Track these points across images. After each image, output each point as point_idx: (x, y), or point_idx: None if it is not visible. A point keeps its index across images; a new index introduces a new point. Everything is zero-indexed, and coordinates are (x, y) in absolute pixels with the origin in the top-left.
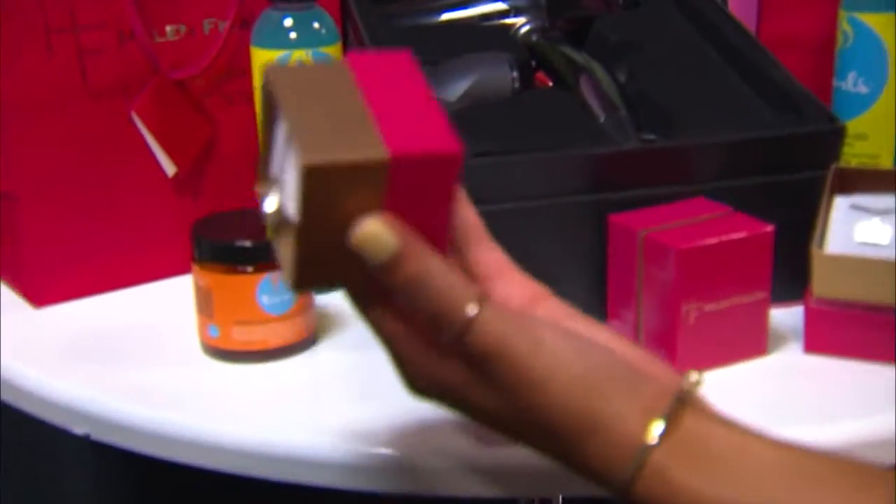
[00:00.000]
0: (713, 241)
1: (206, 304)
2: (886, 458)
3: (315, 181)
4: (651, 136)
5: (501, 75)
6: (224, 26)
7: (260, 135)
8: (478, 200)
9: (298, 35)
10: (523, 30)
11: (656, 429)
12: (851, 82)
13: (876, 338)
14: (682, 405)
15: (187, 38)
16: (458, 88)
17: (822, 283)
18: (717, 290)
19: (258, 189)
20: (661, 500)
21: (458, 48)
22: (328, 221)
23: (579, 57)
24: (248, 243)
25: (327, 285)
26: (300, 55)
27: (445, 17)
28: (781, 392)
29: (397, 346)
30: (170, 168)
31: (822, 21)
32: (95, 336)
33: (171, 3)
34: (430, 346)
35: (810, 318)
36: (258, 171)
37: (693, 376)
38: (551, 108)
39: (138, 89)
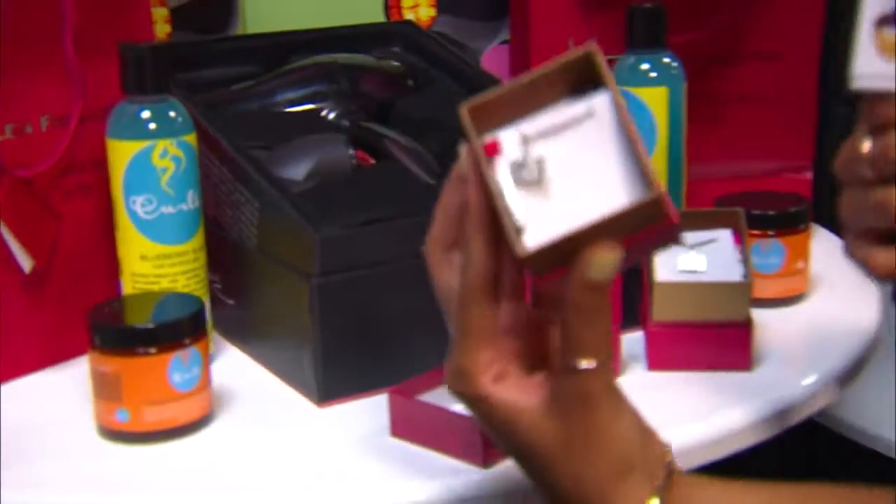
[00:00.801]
0: None
1: (112, 389)
2: (723, 453)
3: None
4: None
5: (341, 154)
6: (70, 121)
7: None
8: (359, 263)
9: (158, 126)
10: (332, 115)
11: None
12: None
13: (706, 351)
14: (671, 477)
15: (28, 135)
16: (301, 168)
17: (659, 309)
18: None
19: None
20: None
21: (283, 133)
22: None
23: (395, 135)
24: (151, 325)
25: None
26: (164, 144)
27: (256, 104)
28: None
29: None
30: (27, 263)
31: None
32: None
33: (5, 103)
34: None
35: (651, 340)
36: None
37: (669, 445)
38: (390, 180)
39: None
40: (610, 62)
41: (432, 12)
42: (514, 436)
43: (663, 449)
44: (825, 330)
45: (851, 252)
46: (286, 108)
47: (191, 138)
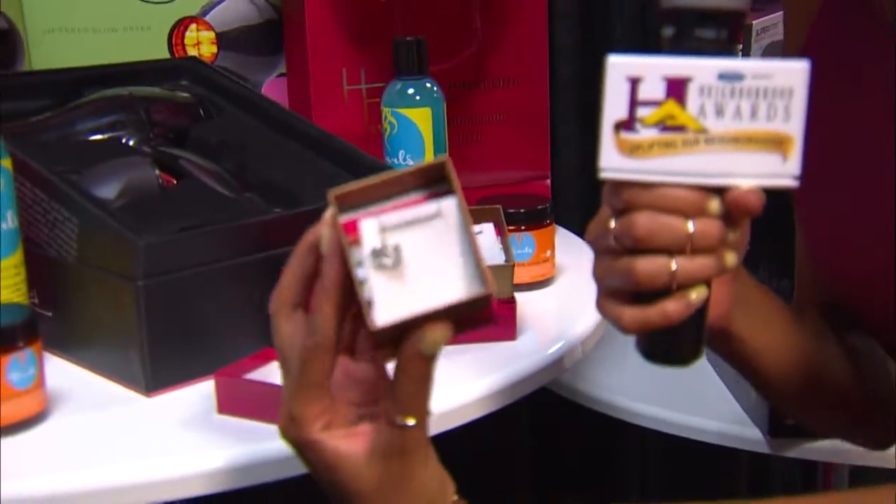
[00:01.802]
0: None
1: None
2: (501, 404)
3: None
4: (279, 209)
5: (147, 174)
6: None
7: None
8: (179, 266)
9: None
10: (132, 142)
11: None
12: (402, 158)
13: None
14: None
15: None
16: (112, 189)
17: None
18: None
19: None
20: None
21: (88, 159)
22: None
23: (195, 157)
24: None
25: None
26: None
27: (55, 135)
28: None
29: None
30: None
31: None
32: None
33: None
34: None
35: None
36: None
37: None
38: (194, 195)
39: None
40: (380, 89)
41: (214, 49)
42: (337, 478)
43: (452, 488)
44: (570, 306)
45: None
46: (87, 136)
47: (6, 163)
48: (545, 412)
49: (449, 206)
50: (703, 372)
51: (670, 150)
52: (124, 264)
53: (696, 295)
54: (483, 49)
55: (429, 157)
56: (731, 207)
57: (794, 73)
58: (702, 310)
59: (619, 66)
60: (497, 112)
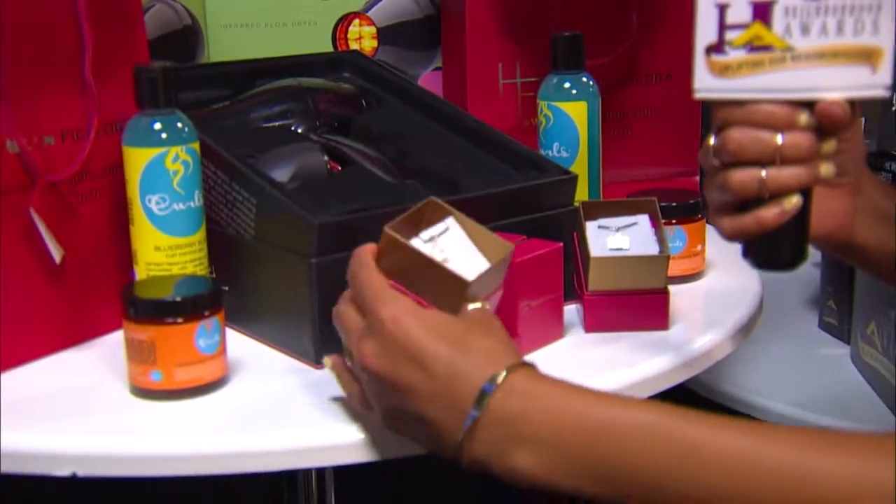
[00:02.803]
0: (530, 256)
1: (147, 353)
2: (653, 391)
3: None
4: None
5: (318, 160)
6: (88, 134)
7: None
8: (349, 245)
9: (169, 135)
10: (300, 129)
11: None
12: (556, 150)
13: (632, 314)
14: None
15: (50, 146)
16: (285, 172)
17: (594, 281)
18: (534, 292)
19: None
20: (518, 410)
21: (263, 144)
22: None
23: (359, 145)
24: (178, 298)
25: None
26: (176, 150)
27: (232, 122)
28: (574, 360)
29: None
30: (57, 255)
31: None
32: (43, 398)
33: (33, 119)
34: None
35: (587, 307)
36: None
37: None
38: (360, 180)
39: (28, 190)
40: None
41: (375, 43)
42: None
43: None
44: (719, 300)
45: (712, 221)
46: (261, 124)
47: (196, 145)
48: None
49: (451, 222)
50: (852, 378)
51: (759, 68)
52: (299, 242)
53: (790, 202)
54: (638, 45)
55: (583, 151)
56: (820, 119)
57: None
58: (800, 217)
59: None
60: (649, 107)
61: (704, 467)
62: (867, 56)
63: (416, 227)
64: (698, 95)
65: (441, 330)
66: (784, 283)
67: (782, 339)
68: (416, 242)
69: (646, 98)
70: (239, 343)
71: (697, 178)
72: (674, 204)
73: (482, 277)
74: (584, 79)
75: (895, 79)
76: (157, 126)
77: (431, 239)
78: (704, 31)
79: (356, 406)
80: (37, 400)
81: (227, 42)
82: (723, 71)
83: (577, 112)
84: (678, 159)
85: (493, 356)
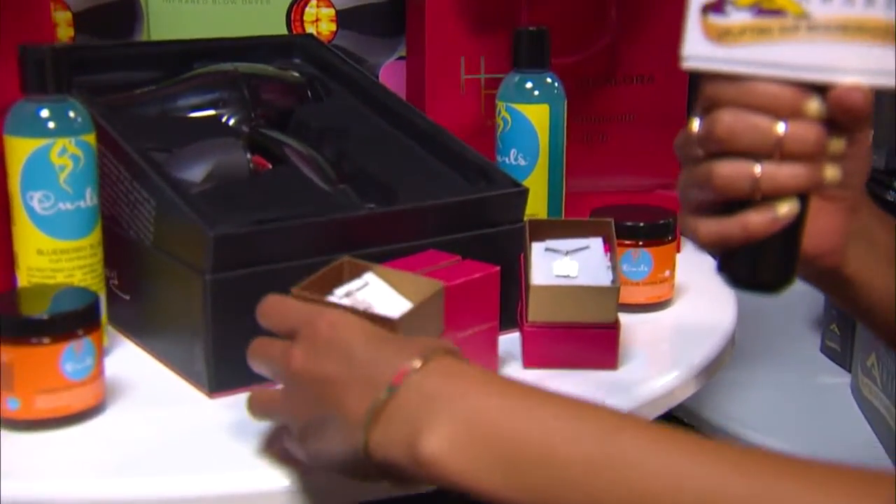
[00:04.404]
0: (461, 280)
1: (5, 377)
2: None
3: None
4: (371, 205)
5: (238, 158)
6: None
7: None
8: (252, 261)
9: (57, 125)
10: (232, 121)
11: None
12: (513, 157)
13: (576, 350)
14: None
15: None
16: (200, 171)
17: (534, 310)
18: (464, 321)
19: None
20: (434, 389)
21: (183, 137)
22: None
23: (294, 142)
24: (45, 316)
25: None
26: (63, 143)
27: (157, 109)
28: None
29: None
30: None
31: (474, 113)
32: None
33: None
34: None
35: (526, 339)
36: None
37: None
38: (285, 184)
39: None
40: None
41: (333, 27)
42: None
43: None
44: (686, 334)
45: (683, 225)
46: (187, 113)
47: (89, 138)
48: None
49: (370, 277)
50: (851, 413)
51: (765, 36)
52: (195, 254)
53: (784, 209)
54: (616, 42)
55: (543, 159)
56: (834, 107)
57: None
58: (793, 229)
59: None
60: (627, 111)
61: (636, 480)
62: (888, 33)
63: (333, 286)
64: (687, 64)
65: (376, 331)
66: (788, 299)
67: (780, 362)
68: (332, 298)
69: (623, 101)
70: (134, 358)
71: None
72: (641, 224)
73: (411, 316)
74: (549, 79)
75: None
76: (44, 114)
77: (349, 294)
78: None
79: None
80: None
81: (169, 18)
82: (721, 36)
83: (537, 116)
84: (657, 170)
85: (421, 346)
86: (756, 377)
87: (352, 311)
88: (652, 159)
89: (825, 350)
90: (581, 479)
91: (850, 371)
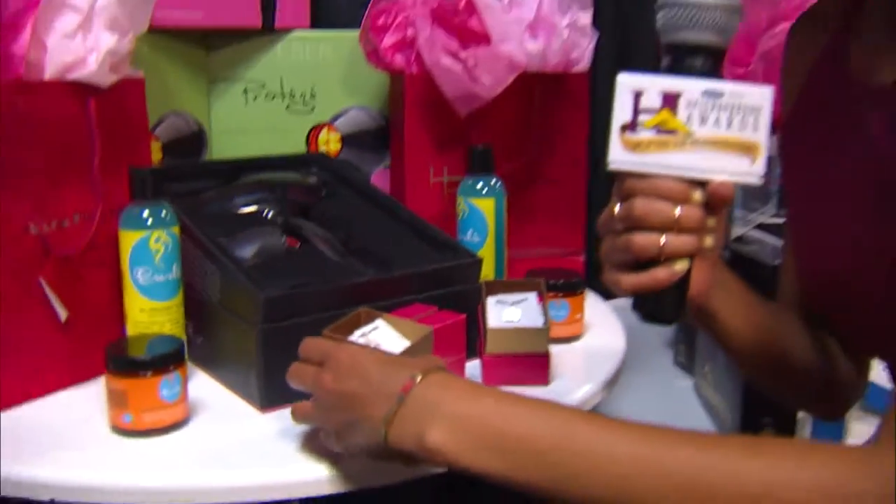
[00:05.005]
0: (439, 326)
1: (121, 400)
2: None
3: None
4: (372, 271)
5: (277, 240)
6: (94, 217)
7: None
8: (290, 315)
9: (153, 221)
10: (270, 214)
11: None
12: (470, 236)
13: (521, 372)
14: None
15: (65, 227)
16: (250, 250)
17: (490, 346)
18: (442, 353)
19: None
20: (434, 397)
21: (238, 226)
22: None
23: (315, 228)
24: (147, 357)
25: None
26: (157, 234)
27: (219, 207)
28: None
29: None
30: (62, 314)
31: (441, 205)
32: (35, 432)
33: (52, 206)
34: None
35: (485, 366)
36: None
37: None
38: (310, 259)
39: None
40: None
41: (339, 146)
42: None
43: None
44: (593, 358)
45: (608, 279)
46: (239, 209)
47: (176, 230)
48: None
49: (380, 322)
50: (695, 406)
51: (663, 147)
52: (250, 310)
53: (679, 266)
54: (537, 155)
55: (491, 237)
56: (710, 197)
57: (761, 95)
58: (684, 279)
59: (626, 82)
60: (545, 203)
61: (607, 465)
62: (749, 149)
63: (353, 329)
64: (612, 167)
65: (385, 357)
66: (653, 328)
67: (648, 372)
68: (352, 338)
69: (542, 196)
70: (206, 387)
71: (582, 258)
72: (561, 281)
73: (410, 350)
74: (494, 181)
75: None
76: (145, 214)
77: (364, 335)
78: (621, 111)
79: (322, 440)
80: (33, 431)
81: (225, 144)
82: (634, 147)
83: (486, 207)
84: (566, 243)
85: (420, 364)
86: (633, 383)
87: (366, 346)
88: (561, 235)
89: (676, 362)
90: (548, 452)
91: (693, 376)
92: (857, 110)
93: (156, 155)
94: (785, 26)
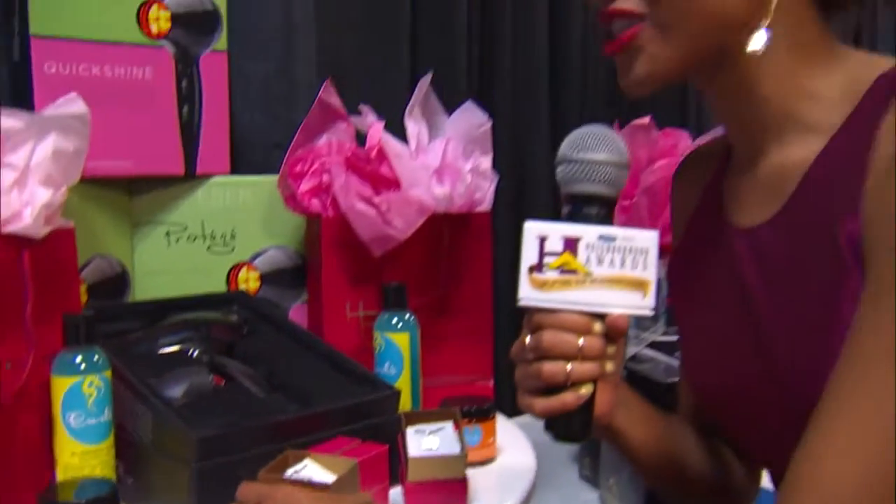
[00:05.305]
0: (362, 458)
1: None
2: None
3: None
4: (296, 407)
5: (204, 380)
6: (26, 364)
7: None
8: (222, 453)
9: (86, 367)
10: (196, 353)
11: None
12: (386, 368)
13: (440, 497)
14: None
15: None
16: (179, 390)
17: (411, 473)
18: (367, 482)
19: None
20: None
21: (166, 366)
22: None
23: (239, 365)
24: (81, 502)
25: None
26: (90, 378)
27: (146, 347)
28: None
29: None
30: None
31: (358, 339)
32: None
33: None
34: None
35: (407, 493)
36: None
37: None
38: (236, 396)
39: None
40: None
41: (258, 284)
42: None
43: None
44: (507, 478)
45: (522, 403)
46: (167, 348)
47: (108, 373)
48: None
49: (307, 460)
50: None
51: (566, 286)
52: (183, 450)
53: (584, 390)
54: (447, 288)
55: (406, 369)
56: (609, 328)
57: (649, 238)
58: (590, 402)
59: (532, 229)
60: (455, 333)
61: None
62: (640, 285)
63: (284, 469)
64: (521, 303)
65: (317, 495)
66: (559, 445)
67: (556, 486)
68: (285, 477)
69: (452, 326)
70: None
71: (490, 383)
72: (474, 408)
73: (338, 483)
74: (408, 316)
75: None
76: (78, 360)
77: (295, 472)
78: (528, 254)
79: None
80: None
81: (148, 284)
82: (541, 286)
83: (402, 341)
84: (476, 370)
85: (349, 501)
86: (541, 498)
87: (299, 483)
88: (472, 363)
89: (582, 476)
90: None
91: (598, 489)
92: (730, 247)
93: (82, 297)
94: (662, 163)
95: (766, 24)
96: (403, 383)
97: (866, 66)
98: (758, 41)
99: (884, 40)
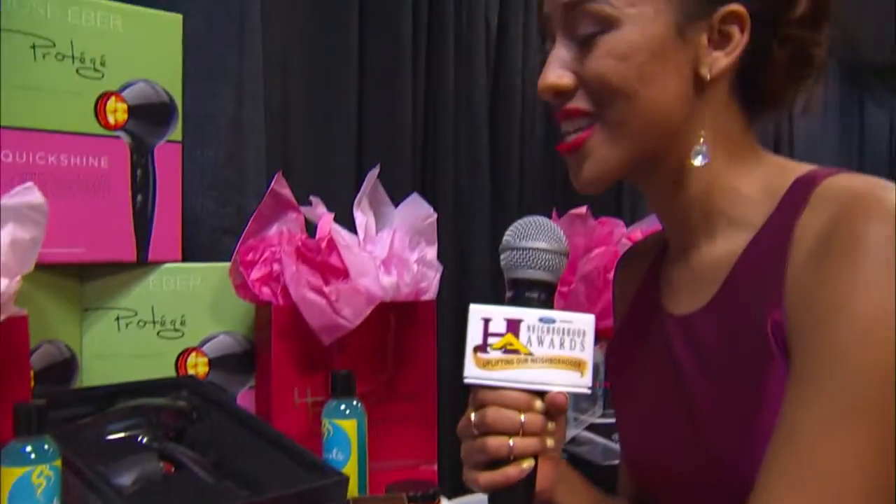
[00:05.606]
0: None
1: None
2: None
3: None
4: (246, 493)
5: (154, 467)
6: None
7: None
8: None
9: (36, 456)
10: (145, 440)
11: None
12: (334, 454)
13: None
14: None
15: None
16: (129, 478)
17: None
18: None
19: None
20: None
21: (114, 454)
22: None
23: (188, 451)
24: None
25: None
26: (41, 468)
27: (94, 434)
28: None
29: None
30: None
31: (306, 425)
32: None
33: None
34: None
35: None
36: None
37: None
38: (187, 484)
39: None
40: (321, 402)
41: (207, 369)
42: None
43: None
44: None
45: (468, 478)
46: (116, 434)
47: (58, 462)
48: None
49: None
50: None
51: (509, 365)
52: None
53: (526, 464)
54: (392, 377)
55: (354, 454)
56: (549, 405)
57: (586, 321)
58: (531, 477)
59: (476, 311)
60: (400, 418)
61: None
62: (577, 365)
63: None
64: (467, 381)
65: None
66: None
67: None
68: None
69: (399, 412)
70: None
71: (434, 466)
72: (419, 493)
73: None
74: (355, 402)
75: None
76: (28, 449)
77: None
78: (473, 335)
79: None
80: None
81: (97, 369)
82: (485, 365)
83: (349, 427)
84: (421, 454)
85: None
86: None
87: None
88: (417, 447)
89: None
90: None
91: None
92: (665, 333)
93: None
94: (599, 251)
95: (702, 133)
96: (351, 469)
97: (782, 170)
98: (700, 157)
99: (800, 145)
